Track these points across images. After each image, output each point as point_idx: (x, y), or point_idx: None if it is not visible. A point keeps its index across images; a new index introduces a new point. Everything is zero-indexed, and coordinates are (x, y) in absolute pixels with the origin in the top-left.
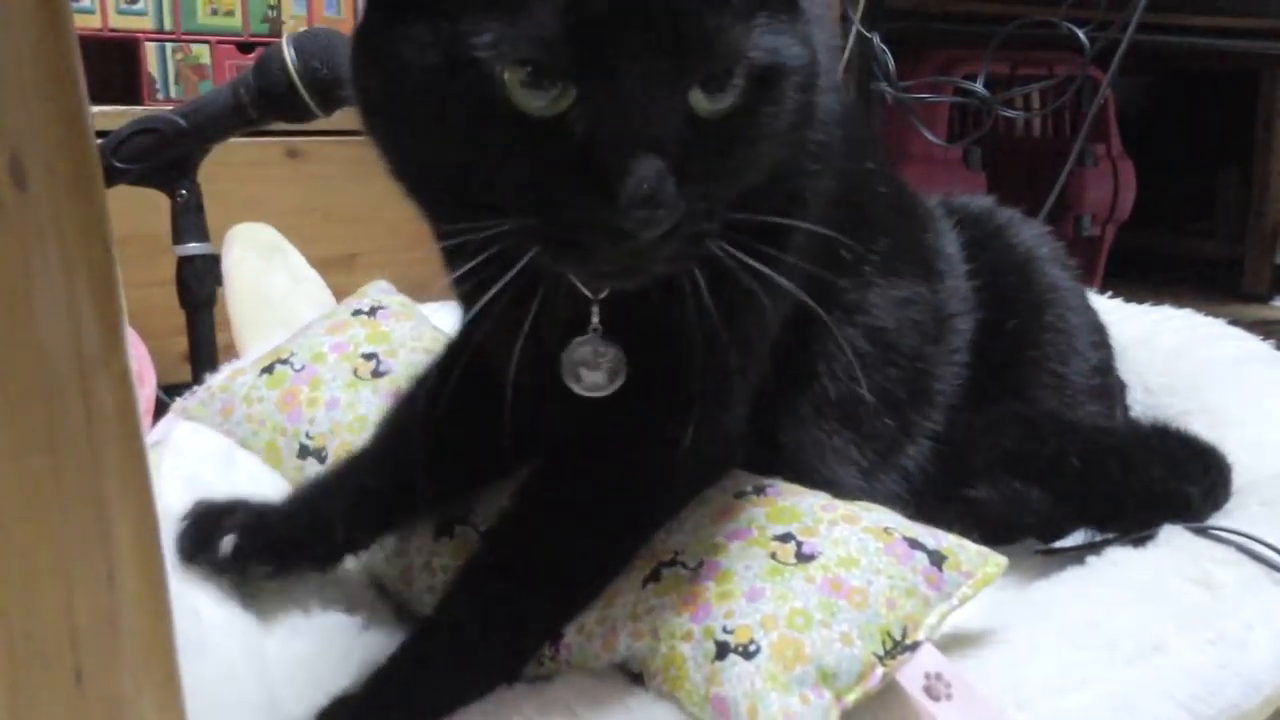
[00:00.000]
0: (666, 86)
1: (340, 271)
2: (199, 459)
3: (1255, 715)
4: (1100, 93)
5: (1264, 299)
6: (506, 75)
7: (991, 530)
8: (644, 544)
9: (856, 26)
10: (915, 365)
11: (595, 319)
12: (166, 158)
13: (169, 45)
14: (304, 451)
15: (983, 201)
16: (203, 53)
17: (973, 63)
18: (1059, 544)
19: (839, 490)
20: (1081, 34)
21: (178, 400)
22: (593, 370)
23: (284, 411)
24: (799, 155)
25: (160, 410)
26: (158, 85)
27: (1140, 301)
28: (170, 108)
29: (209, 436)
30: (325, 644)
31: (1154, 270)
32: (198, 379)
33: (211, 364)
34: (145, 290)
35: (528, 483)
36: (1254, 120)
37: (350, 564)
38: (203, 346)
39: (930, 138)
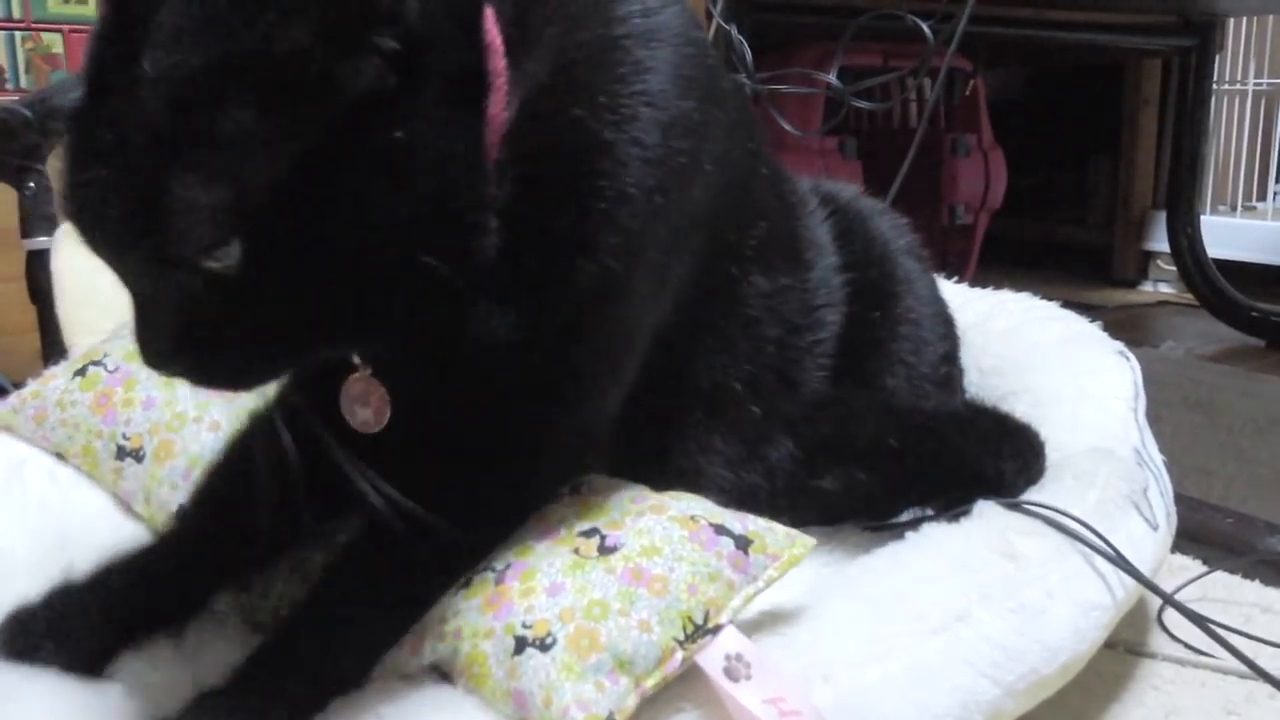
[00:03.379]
0: (133, 266)
1: None
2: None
3: (1054, 680)
4: (938, 84)
5: (1133, 283)
6: None
7: (831, 516)
8: (486, 553)
9: (717, 19)
10: (782, 355)
11: (355, 357)
12: (13, 150)
13: (18, 34)
14: (121, 453)
15: (850, 191)
16: (54, 42)
17: (846, 55)
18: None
19: (703, 481)
20: (925, 25)
21: None
22: (364, 407)
23: (99, 414)
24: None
25: None
26: (7, 75)
27: (1016, 287)
28: (18, 98)
29: (16, 446)
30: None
31: (1028, 256)
32: None
33: (65, 358)
34: None
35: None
36: (1121, 112)
37: None
38: (55, 341)
39: (786, 126)
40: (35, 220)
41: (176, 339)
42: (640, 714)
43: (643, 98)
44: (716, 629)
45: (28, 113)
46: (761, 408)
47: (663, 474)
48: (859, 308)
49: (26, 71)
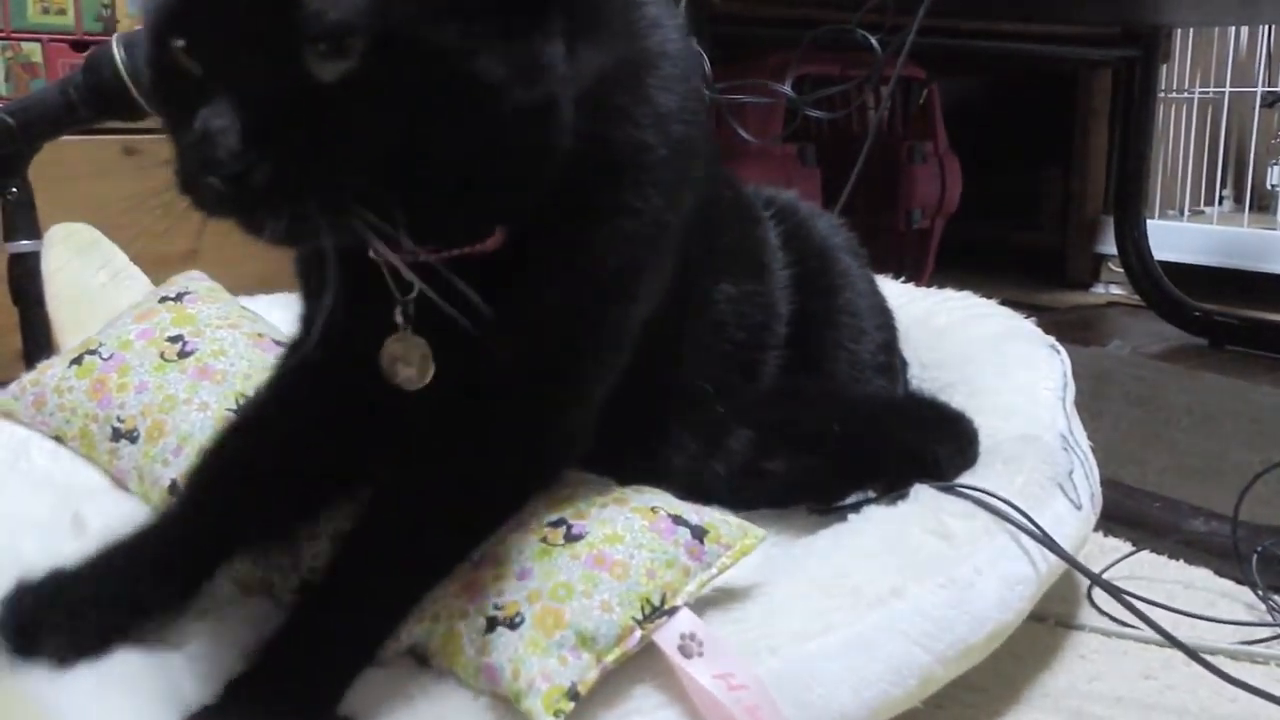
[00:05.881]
0: (252, 40)
1: (181, 268)
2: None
3: (981, 647)
4: (887, 93)
5: (1085, 285)
6: None
7: (781, 497)
8: (484, 538)
9: None
10: (748, 356)
11: (399, 316)
12: None
13: None
14: (116, 434)
15: (787, 195)
16: (34, 51)
17: (805, 65)
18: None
19: (670, 473)
20: (874, 39)
21: None
22: (406, 365)
23: (94, 399)
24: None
25: None
26: None
27: (973, 290)
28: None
29: (18, 430)
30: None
31: (984, 259)
32: None
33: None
34: None
35: (382, 484)
36: (1073, 120)
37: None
38: (37, 344)
39: (743, 134)
40: (17, 225)
41: (255, 137)
42: (603, 687)
43: (669, 110)
44: (673, 611)
45: (10, 119)
46: (725, 404)
47: (633, 467)
48: (803, 301)
49: (6, 80)
